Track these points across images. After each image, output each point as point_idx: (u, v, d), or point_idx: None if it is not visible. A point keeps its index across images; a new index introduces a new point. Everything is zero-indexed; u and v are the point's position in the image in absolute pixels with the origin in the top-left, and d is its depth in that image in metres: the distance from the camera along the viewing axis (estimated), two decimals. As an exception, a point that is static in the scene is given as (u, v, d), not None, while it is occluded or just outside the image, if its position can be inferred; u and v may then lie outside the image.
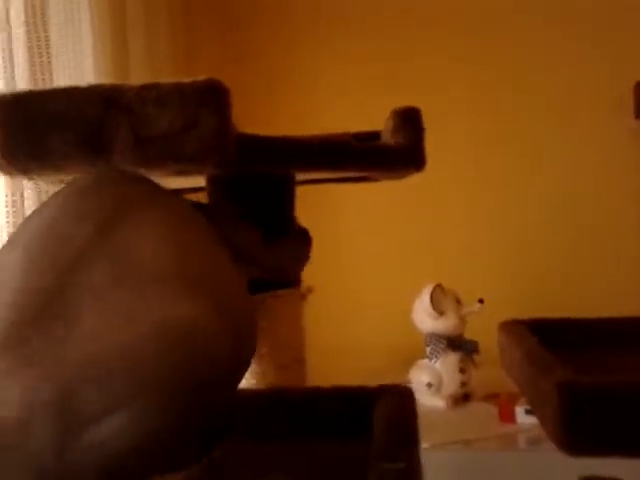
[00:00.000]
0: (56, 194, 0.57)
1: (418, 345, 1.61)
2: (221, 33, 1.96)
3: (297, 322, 0.82)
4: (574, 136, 1.91)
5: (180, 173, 0.65)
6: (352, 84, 1.93)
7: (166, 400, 0.48)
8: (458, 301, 1.56)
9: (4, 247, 0.56)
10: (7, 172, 0.64)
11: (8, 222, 1.05)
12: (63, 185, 0.62)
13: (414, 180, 1.01)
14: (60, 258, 0.52)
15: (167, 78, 0.65)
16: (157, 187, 0.59)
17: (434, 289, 1.52)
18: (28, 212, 1.08)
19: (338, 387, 0.72)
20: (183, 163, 0.63)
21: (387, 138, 0.86)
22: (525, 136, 1.89)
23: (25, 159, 0.63)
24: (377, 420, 0.63)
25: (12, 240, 0.57)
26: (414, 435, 0.58)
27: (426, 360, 1.56)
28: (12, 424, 0.46)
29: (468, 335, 1.59)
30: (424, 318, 1.56)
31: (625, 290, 1.80)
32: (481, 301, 1.55)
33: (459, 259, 1.89)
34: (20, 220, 1.06)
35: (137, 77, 1.36)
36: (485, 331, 1.57)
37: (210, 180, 0.83)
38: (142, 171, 0.63)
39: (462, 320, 1.56)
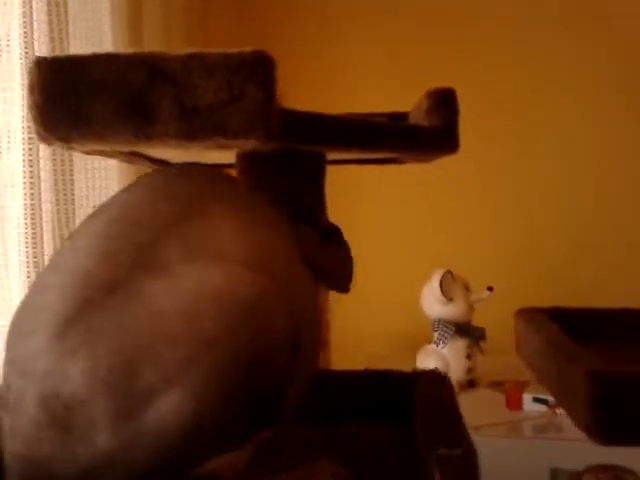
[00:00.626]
0: (146, 176, 0.59)
1: (425, 331, 1.61)
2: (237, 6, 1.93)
3: (325, 304, 0.81)
4: (588, 123, 1.90)
5: (221, 147, 0.63)
6: (367, 67, 1.91)
7: (224, 373, 0.47)
8: (467, 288, 1.56)
9: (92, 215, 0.56)
10: (47, 141, 0.62)
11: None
12: (101, 157, 0.61)
13: (425, 166, 1.00)
14: (138, 234, 0.52)
15: (181, 47, 0.63)
16: (235, 181, 0.60)
17: (444, 275, 1.52)
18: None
19: (373, 370, 0.71)
20: (228, 136, 0.61)
21: (419, 119, 0.84)
22: (539, 124, 1.89)
23: (66, 127, 0.61)
24: (419, 404, 0.63)
25: (98, 211, 0.57)
26: (462, 420, 0.58)
27: (433, 345, 1.56)
28: (72, 402, 0.46)
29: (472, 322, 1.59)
30: (432, 304, 1.56)
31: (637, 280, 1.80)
32: (490, 288, 1.55)
33: (466, 246, 1.88)
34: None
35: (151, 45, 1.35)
36: (490, 319, 1.58)
37: (242, 157, 0.82)
38: (183, 143, 0.62)
39: (470, 307, 1.56)
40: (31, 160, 1.04)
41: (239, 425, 0.49)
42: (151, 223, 0.53)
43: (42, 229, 1.05)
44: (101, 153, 0.72)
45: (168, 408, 0.45)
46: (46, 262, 1.06)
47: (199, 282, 0.49)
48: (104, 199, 0.62)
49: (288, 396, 0.52)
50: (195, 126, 0.61)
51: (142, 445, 0.45)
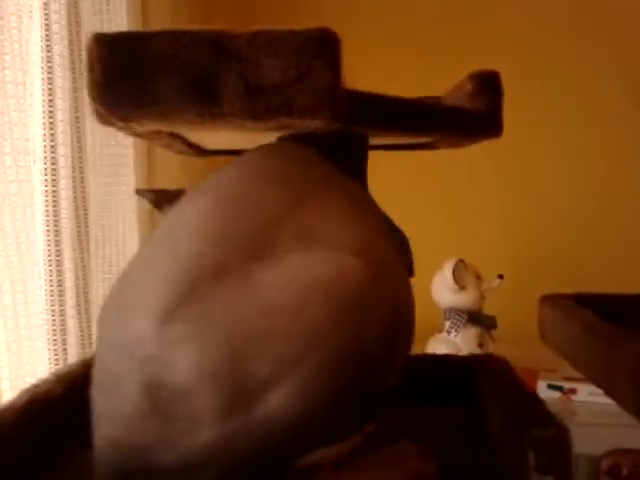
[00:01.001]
0: (247, 156, 0.58)
1: (435, 320, 1.61)
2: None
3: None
4: (598, 121, 1.92)
5: (283, 128, 0.62)
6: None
7: (333, 367, 0.45)
8: (478, 276, 1.57)
9: (197, 192, 0.54)
10: (106, 122, 0.60)
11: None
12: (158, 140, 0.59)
13: (436, 155, 1.00)
14: (249, 219, 0.50)
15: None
16: (335, 169, 0.61)
17: (456, 263, 1.52)
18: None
19: (430, 355, 0.70)
20: (294, 116, 0.59)
21: (461, 102, 0.84)
22: (550, 120, 1.90)
23: (128, 106, 0.58)
24: (487, 387, 0.62)
25: (200, 189, 0.55)
26: (541, 400, 0.57)
27: (444, 334, 1.57)
28: (177, 393, 0.43)
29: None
30: (444, 292, 1.56)
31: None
32: (501, 277, 1.55)
33: (476, 236, 1.89)
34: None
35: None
36: (500, 307, 1.58)
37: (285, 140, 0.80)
38: (248, 123, 0.60)
39: (481, 295, 1.56)
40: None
41: (346, 419, 0.47)
42: (262, 208, 0.51)
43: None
44: (159, 133, 0.70)
45: (277, 404, 0.43)
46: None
47: (310, 274, 0.47)
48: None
49: (388, 386, 0.50)
50: (261, 105, 0.59)
51: (246, 440, 0.43)
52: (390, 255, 0.56)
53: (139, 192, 0.81)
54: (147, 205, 0.80)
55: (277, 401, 0.43)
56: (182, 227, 0.51)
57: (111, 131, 1.13)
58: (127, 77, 0.58)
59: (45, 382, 0.69)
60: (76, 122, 1.08)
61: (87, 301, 1.07)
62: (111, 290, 0.51)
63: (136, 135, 0.71)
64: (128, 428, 0.45)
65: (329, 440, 0.47)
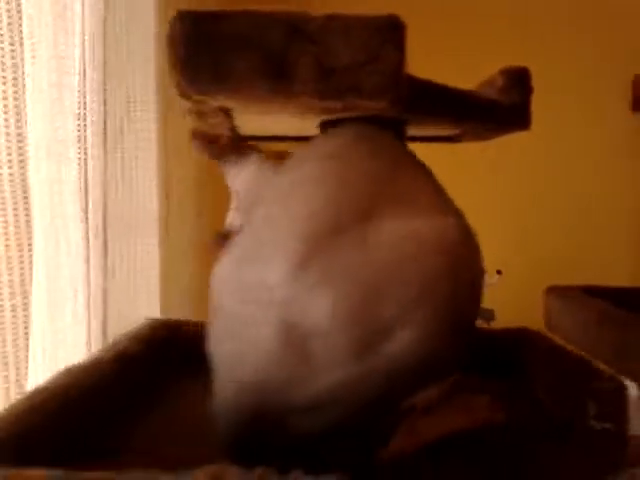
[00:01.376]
0: (333, 132, 0.61)
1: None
2: None
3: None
4: (576, 123, 1.99)
5: (350, 109, 0.65)
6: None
7: (447, 308, 0.49)
8: (476, 272, 1.61)
9: (295, 163, 0.57)
10: (185, 95, 0.62)
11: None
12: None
13: (433, 149, 1.05)
14: (357, 184, 0.54)
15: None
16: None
17: (457, 259, 1.57)
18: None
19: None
20: (362, 97, 0.63)
21: (491, 96, 0.88)
22: (544, 114, 1.96)
23: (206, 81, 0.61)
24: (535, 355, 0.66)
25: (303, 158, 0.59)
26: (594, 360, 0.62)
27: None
28: (313, 334, 0.47)
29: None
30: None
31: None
32: (499, 272, 1.61)
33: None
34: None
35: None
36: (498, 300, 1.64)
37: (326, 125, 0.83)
38: (317, 103, 0.63)
39: (480, 290, 1.61)
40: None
41: (451, 358, 0.51)
42: (363, 176, 0.55)
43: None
44: (210, 113, 0.73)
45: (401, 344, 0.47)
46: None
47: (420, 230, 0.52)
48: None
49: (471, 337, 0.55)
50: (332, 86, 0.62)
51: (373, 378, 0.47)
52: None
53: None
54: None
55: (401, 341, 0.47)
56: (298, 189, 0.54)
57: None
58: (206, 53, 0.61)
59: (121, 341, 0.73)
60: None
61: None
62: (230, 249, 0.54)
63: (197, 114, 0.73)
64: (264, 369, 0.48)
65: (436, 378, 0.51)
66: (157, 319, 0.85)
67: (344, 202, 0.53)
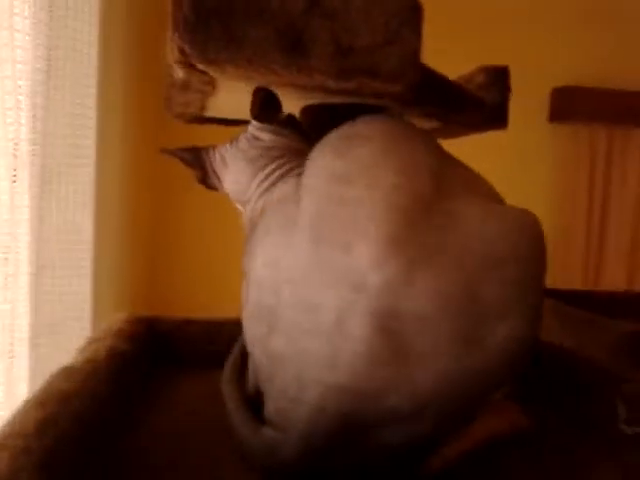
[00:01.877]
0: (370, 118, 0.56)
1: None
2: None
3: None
4: (496, 132, 2.06)
5: (362, 91, 0.62)
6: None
7: (539, 294, 0.46)
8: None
9: (345, 145, 0.52)
10: (186, 62, 0.57)
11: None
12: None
13: None
14: (423, 164, 0.50)
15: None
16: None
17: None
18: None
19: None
20: (378, 79, 0.60)
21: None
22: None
23: (215, 48, 0.56)
24: (550, 364, 0.65)
25: (355, 140, 0.53)
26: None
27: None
28: (414, 323, 0.42)
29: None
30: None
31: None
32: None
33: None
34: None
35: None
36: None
37: (309, 110, 0.80)
38: (331, 82, 0.60)
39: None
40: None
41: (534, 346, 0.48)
42: (424, 157, 0.52)
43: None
44: (197, 85, 0.67)
45: (507, 334, 0.43)
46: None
47: (503, 212, 0.48)
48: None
49: None
50: (348, 65, 0.59)
51: (478, 372, 0.42)
52: None
53: (167, 151, 0.77)
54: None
55: (507, 331, 0.43)
56: (375, 167, 0.49)
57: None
58: (218, 19, 0.56)
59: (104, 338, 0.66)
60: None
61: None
62: (300, 228, 0.48)
63: (181, 86, 0.67)
64: (356, 370, 0.41)
65: (515, 376, 0.48)
66: (132, 314, 0.78)
67: (424, 179, 0.49)
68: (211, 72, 0.58)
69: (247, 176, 0.68)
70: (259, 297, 0.47)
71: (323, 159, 0.53)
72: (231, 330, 0.76)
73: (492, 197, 0.53)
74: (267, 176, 0.65)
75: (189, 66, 0.58)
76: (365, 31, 0.59)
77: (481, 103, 0.82)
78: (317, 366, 0.43)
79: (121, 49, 1.43)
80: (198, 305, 1.54)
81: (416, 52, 0.61)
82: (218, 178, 0.72)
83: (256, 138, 0.71)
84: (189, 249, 1.74)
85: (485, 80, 0.86)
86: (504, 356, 0.44)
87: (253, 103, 0.73)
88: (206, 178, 0.72)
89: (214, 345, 0.80)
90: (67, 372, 0.54)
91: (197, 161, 0.71)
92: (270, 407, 0.46)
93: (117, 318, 0.74)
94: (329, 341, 0.42)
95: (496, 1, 2.03)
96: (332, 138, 0.57)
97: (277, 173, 0.65)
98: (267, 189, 0.65)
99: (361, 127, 0.56)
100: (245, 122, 0.93)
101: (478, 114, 0.83)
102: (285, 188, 0.55)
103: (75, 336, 1.03)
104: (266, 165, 0.67)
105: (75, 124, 1.09)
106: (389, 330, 0.42)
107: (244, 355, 0.61)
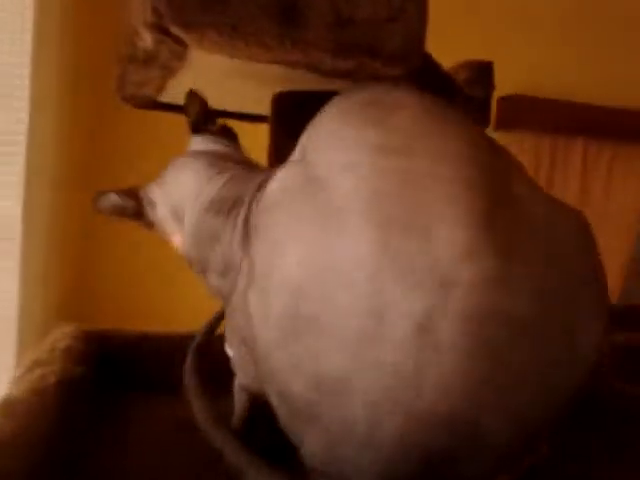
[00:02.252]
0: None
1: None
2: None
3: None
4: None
5: (357, 72, 0.54)
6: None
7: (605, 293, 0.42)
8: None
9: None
10: (161, 27, 0.47)
11: None
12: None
13: None
14: (477, 160, 0.41)
15: None
16: None
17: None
18: None
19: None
20: (378, 60, 0.53)
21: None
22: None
23: (195, 11, 0.47)
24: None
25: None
26: None
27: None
28: (516, 323, 0.35)
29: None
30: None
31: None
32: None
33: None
34: None
35: None
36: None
37: (281, 98, 0.72)
38: (327, 58, 0.52)
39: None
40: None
41: None
42: (489, 143, 0.44)
43: None
44: (165, 59, 0.57)
45: (591, 341, 0.37)
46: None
47: (568, 212, 0.42)
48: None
49: None
50: (347, 39, 0.52)
51: (566, 387, 0.36)
52: None
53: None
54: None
55: (592, 337, 0.37)
56: (425, 135, 0.41)
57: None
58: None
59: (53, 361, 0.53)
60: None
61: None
62: (363, 212, 0.37)
63: (146, 59, 0.57)
64: (445, 389, 0.33)
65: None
66: (79, 328, 0.64)
67: (486, 152, 0.41)
68: (188, 39, 0.49)
69: (198, 189, 0.57)
70: (294, 306, 0.37)
71: (351, 130, 0.43)
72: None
73: (542, 189, 0.47)
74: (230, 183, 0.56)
75: (162, 31, 0.48)
76: (368, 2, 0.51)
77: (470, 98, 0.76)
78: (394, 390, 0.34)
79: (56, 38, 1.30)
80: (129, 312, 1.43)
81: (420, 33, 0.54)
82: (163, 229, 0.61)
83: (202, 152, 0.63)
84: (120, 251, 1.60)
85: (469, 75, 0.81)
86: (586, 368, 0.38)
87: (189, 113, 0.67)
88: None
89: (177, 365, 0.69)
90: (6, 406, 0.43)
91: (138, 209, 0.60)
92: (315, 452, 0.36)
93: (61, 333, 0.61)
94: (409, 355, 0.33)
95: (441, 9, 2.00)
96: (347, 106, 0.45)
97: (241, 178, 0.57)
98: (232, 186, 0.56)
99: (381, 94, 0.46)
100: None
101: (466, 110, 0.77)
102: (286, 176, 0.45)
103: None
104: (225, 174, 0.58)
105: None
106: (485, 337, 0.34)
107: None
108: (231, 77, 0.66)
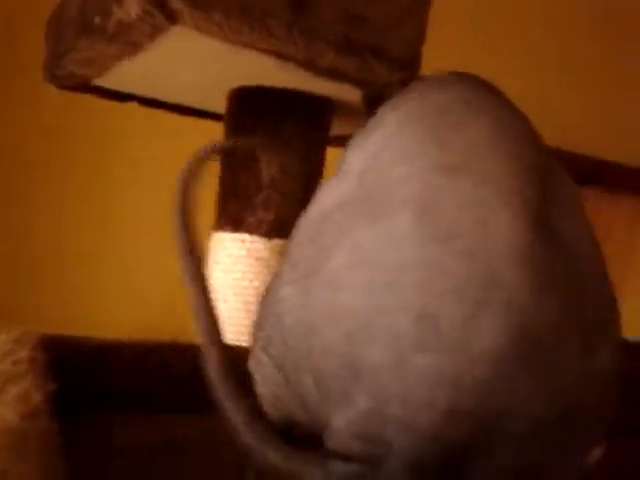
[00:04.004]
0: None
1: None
2: None
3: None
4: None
5: (357, 74, 0.51)
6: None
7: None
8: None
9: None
10: (154, 8, 0.42)
11: None
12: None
13: None
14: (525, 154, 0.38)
15: None
16: None
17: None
18: None
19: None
20: (384, 63, 0.50)
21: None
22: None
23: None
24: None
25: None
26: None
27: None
28: (546, 340, 0.33)
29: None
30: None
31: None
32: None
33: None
34: None
35: None
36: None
37: (238, 96, 0.68)
38: (331, 54, 0.49)
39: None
40: None
41: None
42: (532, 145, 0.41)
43: None
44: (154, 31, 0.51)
45: (609, 354, 0.35)
46: None
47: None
48: None
49: None
50: (356, 36, 0.49)
51: (591, 387, 0.35)
52: None
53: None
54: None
55: (609, 351, 0.36)
56: (485, 153, 0.37)
57: None
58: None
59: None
60: None
61: None
62: (414, 211, 0.33)
63: (116, 31, 0.51)
64: (478, 392, 0.32)
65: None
66: (44, 334, 0.51)
67: (522, 179, 0.39)
68: (189, 16, 0.43)
69: None
70: (336, 299, 0.34)
71: (411, 143, 0.39)
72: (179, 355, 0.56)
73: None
74: None
75: (158, 2, 0.42)
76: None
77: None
78: (435, 387, 0.33)
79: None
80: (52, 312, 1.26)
81: (422, 40, 0.52)
82: None
83: None
84: (40, 247, 1.39)
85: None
86: (605, 376, 0.38)
87: None
88: None
89: (145, 377, 0.58)
90: (10, 443, 0.33)
91: None
92: (343, 431, 0.33)
93: (4, 338, 0.49)
94: (452, 356, 0.32)
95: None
96: (417, 109, 0.42)
97: None
98: None
99: (454, 96, 0.43)
100: (133, 98, 0.76)
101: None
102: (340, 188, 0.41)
103: None
104: None
105: None
106: (523, 349, 0.33)
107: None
108: (191, 67, 0.61)
